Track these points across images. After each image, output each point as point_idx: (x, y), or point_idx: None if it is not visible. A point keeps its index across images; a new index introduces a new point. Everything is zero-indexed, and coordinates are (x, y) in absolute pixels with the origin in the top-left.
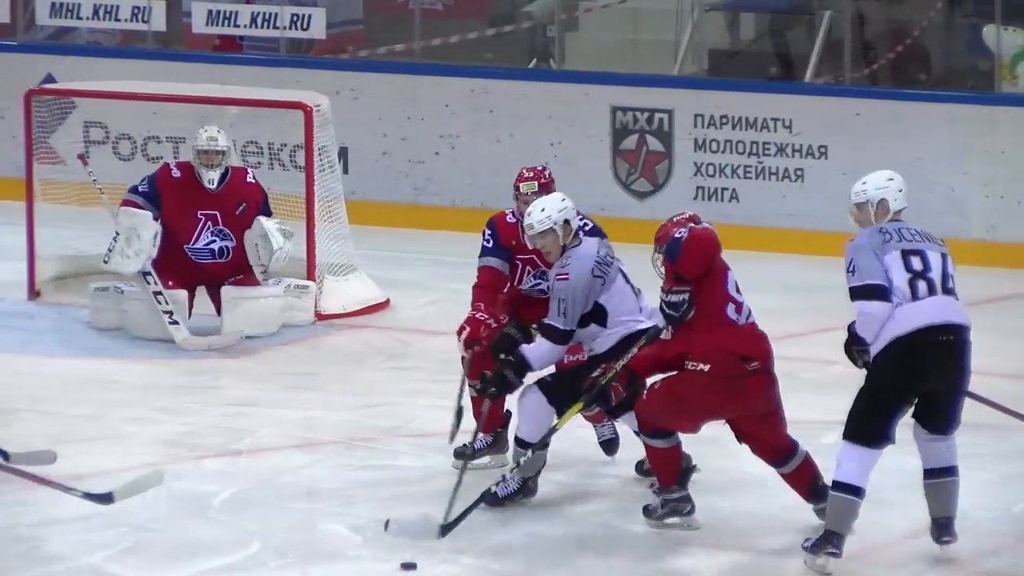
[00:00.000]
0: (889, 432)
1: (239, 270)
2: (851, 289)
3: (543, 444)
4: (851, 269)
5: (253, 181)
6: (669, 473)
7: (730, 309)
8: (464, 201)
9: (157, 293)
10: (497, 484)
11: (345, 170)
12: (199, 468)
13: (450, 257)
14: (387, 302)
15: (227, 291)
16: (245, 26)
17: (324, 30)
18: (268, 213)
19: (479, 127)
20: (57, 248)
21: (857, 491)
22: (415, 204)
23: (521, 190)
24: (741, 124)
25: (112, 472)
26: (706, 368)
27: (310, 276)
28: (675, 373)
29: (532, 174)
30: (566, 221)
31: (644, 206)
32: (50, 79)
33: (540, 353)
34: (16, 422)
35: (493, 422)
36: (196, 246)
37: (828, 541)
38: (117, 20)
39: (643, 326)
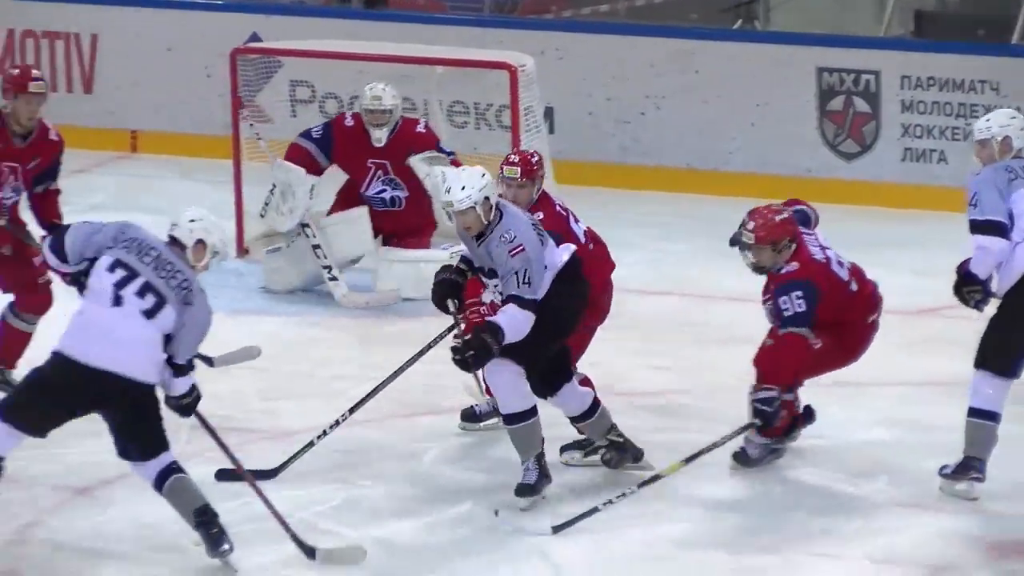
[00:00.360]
0: (1019, 365)
1: (416, 221)
2: (972, 222)
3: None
4: (974, 202)
5: (424, 130)
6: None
7: (853, 285)
8: (670, 161)
9: (316, 247)
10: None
11: (551, 130)
12: (410, 425)
13: (657, 216)
14: None
15: (384, 252)
16: None
17: None
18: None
19: (685, 88)
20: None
21: (994, 416)
22: (621, 164)
23: (504, 174)
24: (948, 86)
25: (321, 428)
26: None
27: None
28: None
29: (518, 159)
30: (486, 198)
31: (852, 167)
32: (256, 38)
33: (512, 320)
34: (228, 379)
35: None
36: (368, 193)
37: (970, 467)
38: None
39: (565, 256)
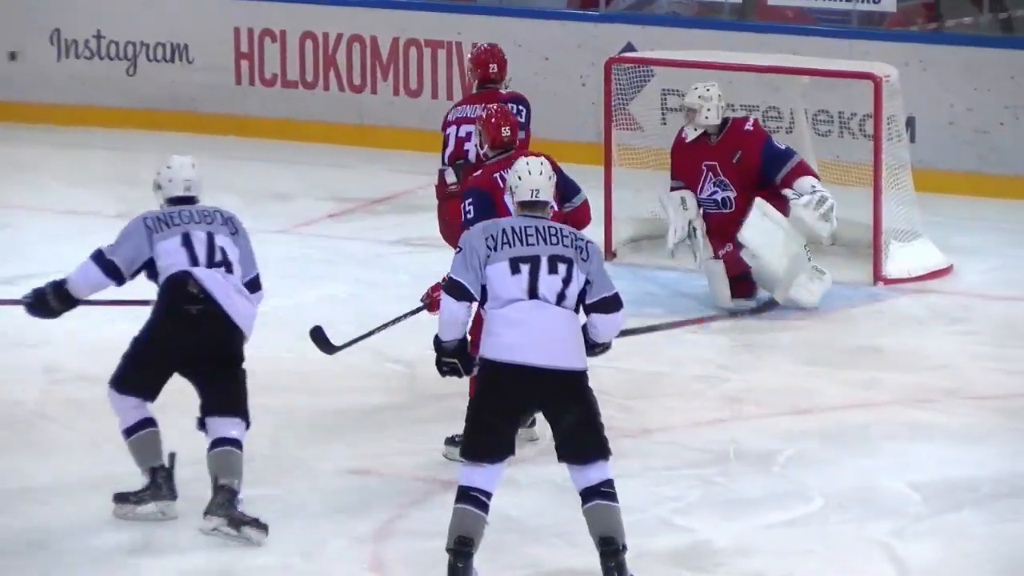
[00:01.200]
0: None
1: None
2: None
3: None
4: None
5: (751, 129)
6: None
7: None
8: None
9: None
10: None
11: (912, 139)
12: (765, 425)
13: (1012, 224)
14: (950, 268)
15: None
16: None
17: (895, 4)
18: (776, 154)
19: None
20: (633, 211)
21: None
22: (978, 172)
23: None
24: None
25: (677, 427)
26: None
27: (875, 242)
28: None
29: None
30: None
31: None
32: (630, 48)
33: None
34: (593, 379)
35: None
36: (702, 196)
37: None
38: None
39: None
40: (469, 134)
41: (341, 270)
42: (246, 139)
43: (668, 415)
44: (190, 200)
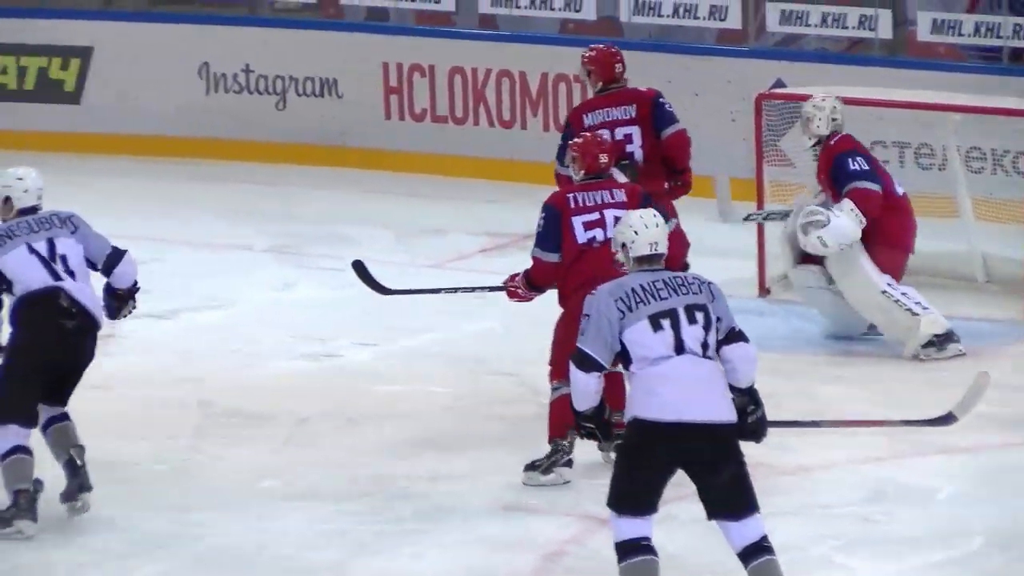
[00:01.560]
0: None
1: None
2: None
3: None
4: None
5: (832, 144)
6: None
7: None
8: None
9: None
10: None
11: None
12: (924, 463)
13: None
14: None
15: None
16: (969, 35)
17: None
18: (840, 171)
19: None
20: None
21: None
22: None
23: None
24: None
25: (836, 465)
26: None
27: None
28: None
29: None
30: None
31: None
32: (779, 84)
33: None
34: None
35: None
36: None
37: None
38: (844, 28)
39: None
40: (628, 135)
41: (494, 305)
42: (396, 174)
43: (826, 452)
44: (38, 209)
